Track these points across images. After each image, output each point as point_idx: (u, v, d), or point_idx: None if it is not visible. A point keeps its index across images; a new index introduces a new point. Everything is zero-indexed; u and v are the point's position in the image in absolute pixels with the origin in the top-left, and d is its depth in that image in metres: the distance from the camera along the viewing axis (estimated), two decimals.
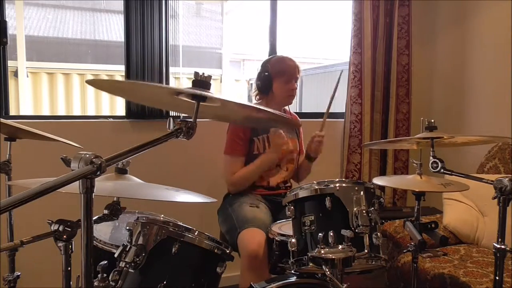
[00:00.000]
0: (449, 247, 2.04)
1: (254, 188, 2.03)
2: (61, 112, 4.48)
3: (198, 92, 0.88)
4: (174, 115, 2.40)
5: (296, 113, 2.48)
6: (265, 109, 1.03)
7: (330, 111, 2.12)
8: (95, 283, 1.03)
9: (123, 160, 1.11)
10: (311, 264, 1.27)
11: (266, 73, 2.03)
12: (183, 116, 2.18)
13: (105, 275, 1.07)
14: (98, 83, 1.01)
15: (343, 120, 2.87)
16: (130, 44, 2.35)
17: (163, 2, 2.39)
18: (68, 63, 4.49)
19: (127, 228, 1.20)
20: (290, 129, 2.10)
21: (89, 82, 0.91)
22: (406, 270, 1.94)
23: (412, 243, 1.49)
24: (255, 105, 0.99)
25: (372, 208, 1.32)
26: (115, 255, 1.18)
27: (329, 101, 2.12)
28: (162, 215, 1.40)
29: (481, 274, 1.74)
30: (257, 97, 2.13)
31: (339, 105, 2.88)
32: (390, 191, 2.96)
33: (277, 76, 2.02)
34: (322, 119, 2.11)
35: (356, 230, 1.27)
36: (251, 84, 2.13)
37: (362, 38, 2.79)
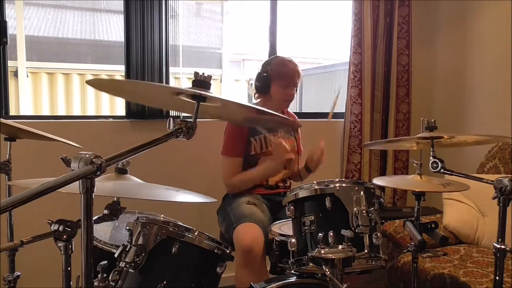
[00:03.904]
0: (449, 247, 2.04)
1: (254, 187, 2.03)
2: (61, 112, 4.47)
3: (198, 92, 0.88)
4: (174, 115, 2.40)
5: (295, 113, 2.48)
6: (265, 110, 1.03)
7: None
8: (95, 283, 1.03)
9: (123, 160, 1.11)
10: (311, 264, 1.27)
11: (265, 74, 2.00)
12: (183, 116, 2.18)
13: (105, 275, 1.06)
14: (98, 83, 1.01)
15: (343, 120, 2.86)
16: (130, 44, 2.35)
17: (163, 2, 2.39)
18: (68, 63, 4.48)
19: (127, 228, 1.20)
20: (287, 130, 2.10)
21: (89, 82, 0.91)
22: (406, 270, 1.94)
23: (412, 243, 1.49)
24: (254, 106, 0.99)
25: (372, 208, 1.32)
26: (115, 255, 1.18)
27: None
28: (162, 215, 1.40)
29: (481, 274, 1.74)
30: (256, 95, 2.11)
31: (339, 105, 2.88)
32: (390, 191, 2.95)
33: (276, 79, 1.99)
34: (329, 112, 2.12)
35: (356, 230, 1.27)
36: (251, 84, 2.14)
37: (362, 38, 2.79)
